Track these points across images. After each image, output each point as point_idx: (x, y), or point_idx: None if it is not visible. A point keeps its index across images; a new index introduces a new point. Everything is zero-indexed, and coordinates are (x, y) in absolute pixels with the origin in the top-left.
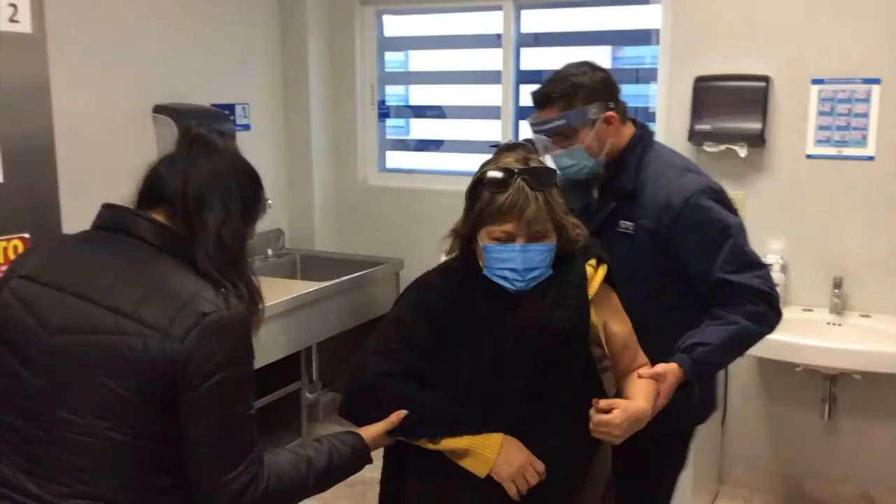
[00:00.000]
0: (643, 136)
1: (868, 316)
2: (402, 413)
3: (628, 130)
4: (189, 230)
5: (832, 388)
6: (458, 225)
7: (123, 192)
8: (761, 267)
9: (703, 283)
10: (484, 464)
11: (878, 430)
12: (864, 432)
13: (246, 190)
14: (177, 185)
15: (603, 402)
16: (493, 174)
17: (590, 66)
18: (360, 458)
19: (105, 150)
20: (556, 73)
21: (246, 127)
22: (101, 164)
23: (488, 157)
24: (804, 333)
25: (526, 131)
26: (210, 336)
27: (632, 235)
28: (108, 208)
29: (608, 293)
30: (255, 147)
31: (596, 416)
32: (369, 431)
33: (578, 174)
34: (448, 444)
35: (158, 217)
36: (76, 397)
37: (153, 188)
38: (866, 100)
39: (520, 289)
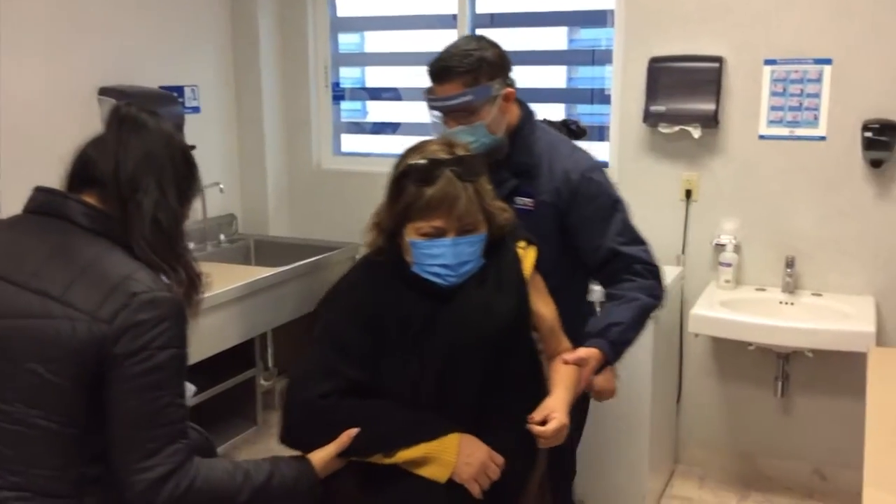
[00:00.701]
0: (530, 115)
1: (820, 295)
2: (353, 432)
3: (517, 108)
4: (123, 213)
5: (785, 366)
6: (381, 218)
7: None
8: (645, 242)
9: (595, 254)
10: (444, 468)
11: (829, 407)
12: (816, 409)
13: (180, 170)
14: (108, 167)
15: (537, 416)
16: (419, 166)
17: (488, 42)
18: (306, 483)
19: (47, 134)
20: (455, 46)
21: (196, 110)
22: (43, 148)
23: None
24: (757, 313)
25: None
26: (140, 315)
27: (531, 211)
28: (39, 191)
29: (535, 275)
30: (205, 131)
31: (536, 430)
32: (318, 456)
33: (476, 152)
34: (404, 455)
35: (90, 199)
36: (3, 384)
37: (84, 170)
38: (818, 80)
39: (452, 283)
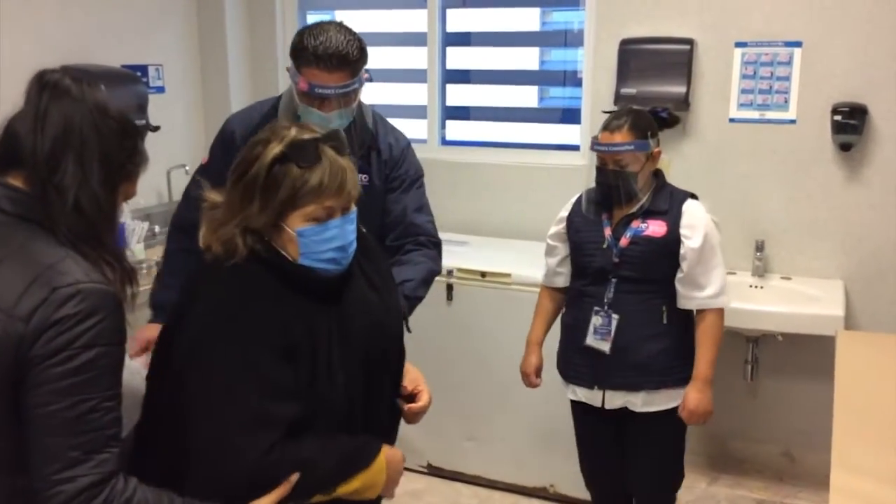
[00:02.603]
0: None
1: (789, 278)
2: (294, 478)
3: None
4: (44, 195)
5: (755, 349)
6: (239, 221)
7: None
8: (432, 215)
9: (399, 223)
10: (374, 490)
11: (798, 389)
12: (785, 393)
13: (110, 145)
14: (28, 144)
15: (409, 386)
16: (300, 145)
17: (352, 30)
18: None
19: (4, 114)
20: (338, 34)
21: (160, 89)
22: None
23: (417, 122)
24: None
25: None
26: (60, 312)
27: (367, 187)
28: None
29: None
30: (171, 111)
31: (413, 407)
32: None
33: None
34: (342, 490)
35: (15, 181)
36: None
37: (8, 148)
38: (788, 63)
39: (344, 267)
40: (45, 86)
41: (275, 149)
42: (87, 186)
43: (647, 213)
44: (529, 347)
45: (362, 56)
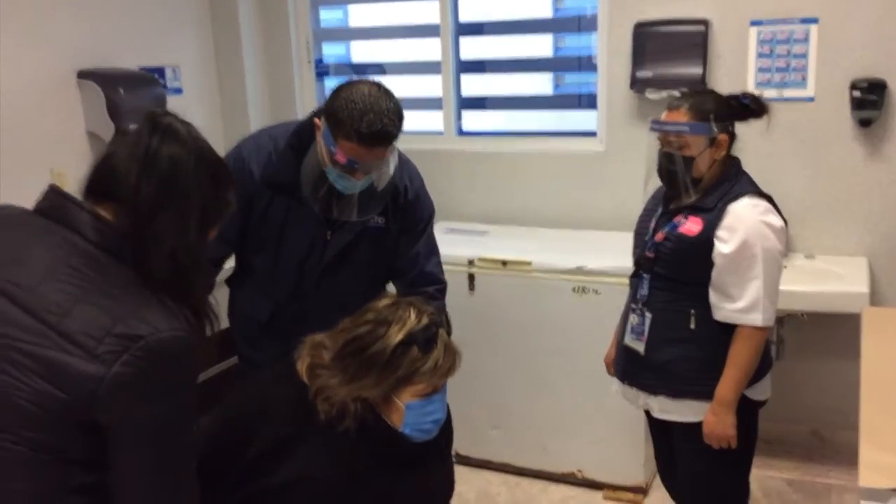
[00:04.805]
0: None
1: (812, 257)
2: None
3: None
4: (140, 239)
5: (780, 329)
6: (353, 389)
7: (50, 164)
8: (439, 253)
9: (411, 268)
10: None
11: (825, 369)
12: (811, 372)
13: (207, 194)
14: (129, 182)
15: None
16: (422, 331)
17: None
18: None
19: (25, 120)
20: (378, 100)
21: (178, 91)
22: (21, 136)
23: (433, 114)
24: None
25: (480, 84)
26: (140, 363)
27: (383, 229)
28: (53, 192)
29: None
30: (189, 112)
31: None
32: None
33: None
34: None
35: (105, 213)
36: None
37: (103, 181)
38: (805, 40)
39: (433, 436)
40: (157, 128)
41: (399, 335)
42: (185, 237)
43: (693, 208)
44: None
45: (402, 126)
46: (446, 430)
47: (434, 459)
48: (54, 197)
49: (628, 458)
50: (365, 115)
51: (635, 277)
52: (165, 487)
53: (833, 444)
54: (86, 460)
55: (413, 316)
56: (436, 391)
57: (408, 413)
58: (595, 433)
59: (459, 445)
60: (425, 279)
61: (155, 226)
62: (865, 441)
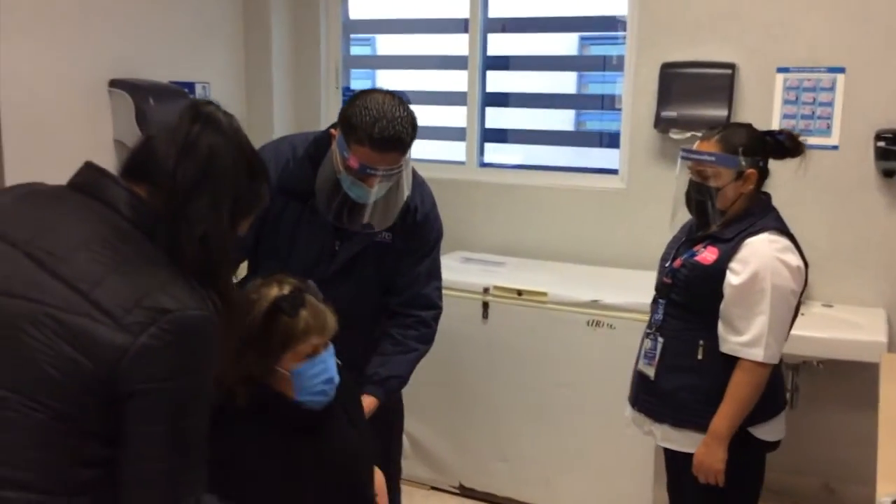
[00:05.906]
0: None
1: (830, 306)
2: None
3: None
4: (174, 222)
5: (795, 377)
6: (242, 367)
7: (75, 170)
8: (440, 276)
9: (408, 288)
10: None
11: (838, 420)
12: (825, 423)
13: (241, 184)
14: (168, 165)
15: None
16: (287, 297)
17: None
18: None
19: (57, 126)
20: (392, 108)
21: None
22: (53, 142)
23: (456, 144)
24: None
25: (501, 117)
26: (166, 336)
27: (388, 245)
28: (90, 168)
29: None
30: None
31: None
32: None
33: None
34: None
35: (140, 191)
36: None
37: (141, 162)
38: (831, 89)
39: (331, 398)
40: (199, 116)
41: (264, 305)
42: (218, 224)
43: (713, 238)
44: None
45: (415, 134)
46: (350, 395)
47: (340, 423)
48: (90, 172)
49: (636, 496)
50: (378, 121)
51: (654, 303)
52: (175, 463)
53: (844, 498)
54: (101, 433)
55: (276, 288)
56: (317, 352)
57: (296, 380)
58: (603, 470)
59: (464, 477)
60: (421, 301)
61: (189, 210)
62: (883, 485)
